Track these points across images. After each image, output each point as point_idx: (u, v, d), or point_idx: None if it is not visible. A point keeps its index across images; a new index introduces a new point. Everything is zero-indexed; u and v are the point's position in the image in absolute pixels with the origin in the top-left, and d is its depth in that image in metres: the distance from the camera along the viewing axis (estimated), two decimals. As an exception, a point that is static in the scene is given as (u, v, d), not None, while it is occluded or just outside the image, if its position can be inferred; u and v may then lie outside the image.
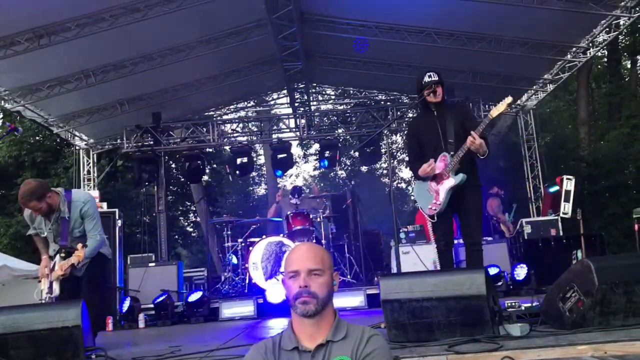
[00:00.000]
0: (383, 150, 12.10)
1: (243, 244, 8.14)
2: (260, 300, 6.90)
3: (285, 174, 13.22)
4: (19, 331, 3.19)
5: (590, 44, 8.75)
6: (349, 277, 7.97)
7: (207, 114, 12.94)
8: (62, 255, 4.10)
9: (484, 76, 9.93)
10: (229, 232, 8.43)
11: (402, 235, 7.91)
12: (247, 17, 8.47)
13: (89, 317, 3.52)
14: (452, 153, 4.17)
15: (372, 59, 10.00)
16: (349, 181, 23.73)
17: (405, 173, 23.56)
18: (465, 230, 4.29)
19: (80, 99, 9.27)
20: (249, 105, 14.85)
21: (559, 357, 2.64)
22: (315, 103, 13.33)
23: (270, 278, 7.17)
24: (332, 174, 25.64)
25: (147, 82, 9.43)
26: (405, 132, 8.67)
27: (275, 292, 6.74)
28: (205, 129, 11.16)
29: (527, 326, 3.11)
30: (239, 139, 11.79)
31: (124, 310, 7.08)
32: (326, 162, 11.09)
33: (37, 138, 15.31)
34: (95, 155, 11.24)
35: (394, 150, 21.79)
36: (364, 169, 22.38)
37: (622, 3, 7.45)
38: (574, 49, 8.95)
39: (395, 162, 22.94)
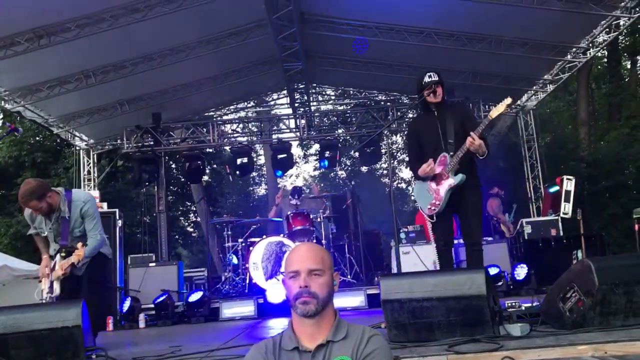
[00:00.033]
0: (383, 151, 12.11)
1: (243, 244, 8.14)
2: (261, 300, 6.90)
3: (286, 174, 13.24)
4: (19, 331, 3.19)
5: (590, 45, 8.75)
6: (349, 277, 7.97)
7: (207, 114, 12.95)
8: (63, 254, 4.11)
9: (484, 77, 9.93)
10: (229, 232, 8.43)
11: (402, 236, 7.91)
12: (247, 18, 8.47)
13: (89, 316, 3.52)
14: (451, 153, 4.18)
15: (372, 60, 10.00)
16: (349, 181, 23.74)
17: (406, 173, 23.59)
18: (465, 230, 4.30)
19: (80, 100, 9.27)
20: (249, 105, 14.86)
21: (559, 357, 2.64)
22: (315, 103, 13.34)
23: (271, 278, 7.18)
24: (332, 174, 25.65)
25: (147, 82, 9.43)
26: (406, 133, 8.67)
27: (275, 292, 6.75)
28: (205, 130, 11.16)
29: (527, 326, 3.11)
30: (239, 139, 11.79)
31: (124, 310, 7.09)
32: (326, 163, 11.10)
33: (37, 138, 15.32)
34: (95, 156, 11.24)
35: (394, 151, 21.80)
36: (364, 169, 22.39)
37: (622, 3, 7.45)
38: (574, 49, 8.95)
39: (396, 163, 22.95)
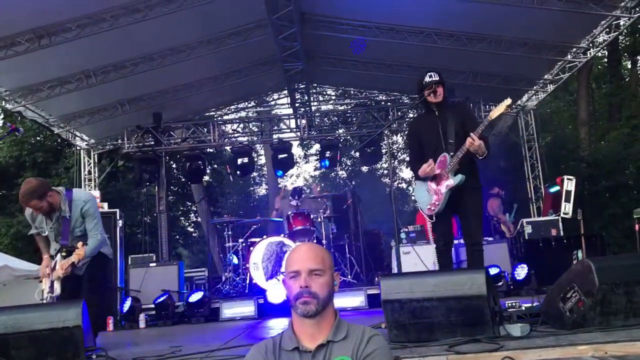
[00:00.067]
0: (384, 151, 12.11)
1: (244, 244, 8.14)
2: (261, 301, 6.90)
3: (286, 174, 13.23)
4: (20, 331, 3.19)
5: (591, 45, 8.75)
6: (349, 277, 7.97)
7: (207, 114, 12.95)
8: (63, 254, 4.11)
9: (484, 77, 9.93)
10: (229, 233, 8.43)
11: (402, 236, 7.91)
12: (248, 18, 8.48)
13: (90, 316, 3.52)
14: (451, 154, 4.17)
15: (372, 60, 10.01)
16: (350, 181, 23.74)
17: (406, 173, 23.60)
18: (465, 230, 4.30)
19: (81, 100, 9.28)
20: (249, 105, 14.85)
21: (559, 357, 2.64)
22: (315, 103, 13.34)
23: (271, 278, 7.18)
24: (332, 174, 25.65)
25: (147, 82, 9.44)
26: (406, 132, 8.68)
27: (276, 293, 6.75)
28: (205, 129, 11.16)
29: (527, 326, 3.11)
30: (240, 139, 11.80)
31: (124, 311, 7.09)
32: (327, 162, 11.10)
33: (38, 138, 15.33)
34: (96, 156, 11.24)
35: (394, 151, 21.81)
36: (364, 169, 22.40)
37: (622, 3, 7.44)
38: (574, 49, 8.95)
39: (396, 163, 22.95)
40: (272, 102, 14.67)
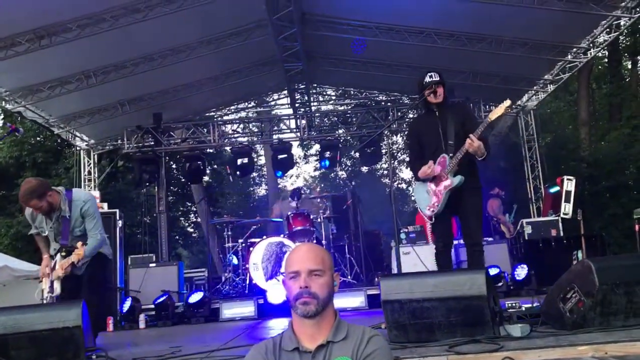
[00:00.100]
0: (383, 151, 12.11)
1: (243, 245, 8.14)
2: (261, 301, 6.90)
3: (286, 174, 13.22)
4: (20, 332, 3.19)
5: (591, 45, 8.74)
6: (349, 277, 7.97)
7: (207, 114, 12.95)
8: (63, 254, 4.12)
9: (484, 77, 9.93)
10: (229, 233, 8.43)
11: (402, 236, 7.91)
12: (248, 18, 8.48)
13: (89, 316, 3.52)
14: (451, 155, 4.17)
15: (372, 60, 10.01)
16: (350, 182, 23.73)
17: (406, 173, 23.59)
18: (465, 231, 4.29)
19: (81, 100, 9.28)
20: (249, 105, 14.86)
21: (559, 358, 2.64)
22: (315, 104, 13.33)
23: (271, 279, 7.17)
24: (332, 174, 25.65)
25: (147, 82, 9.44)
26: (406, 133, 8.68)
27: (275, 293, 6.75)
28: (205, 130, 11.16)
29: (527, 327, 3.11)
30: (240, 139, 11.79)
31: (124, 311, 7.09)
32: (327, 162, 11.09)
33: (37, 139, 15.33)
34: (96, 156, 11.25)
35: (394, 151, 21.81)
36: (364, 169, 22.39)
37: (623, 3, 7.44)
38: (575, 49, 8.95)
39: (396, 163, 22.95)
40: (272, 103, 14.68)
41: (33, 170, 14.31)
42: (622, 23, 7.96)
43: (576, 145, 15.07)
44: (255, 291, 7.32)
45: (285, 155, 10.92)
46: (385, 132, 9.75)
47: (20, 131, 5.09)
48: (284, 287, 2.00)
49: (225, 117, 13.61)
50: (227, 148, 13.35)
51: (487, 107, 10.44)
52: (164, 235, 11.13)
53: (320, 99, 14.32)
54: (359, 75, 10.79)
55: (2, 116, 15.40)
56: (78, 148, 11.02)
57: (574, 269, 3.31)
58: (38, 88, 8.61)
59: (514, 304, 3.88)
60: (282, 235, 7.67)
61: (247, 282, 7.63)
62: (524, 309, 3.79)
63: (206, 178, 17.03)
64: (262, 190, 26.76)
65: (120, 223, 8.07)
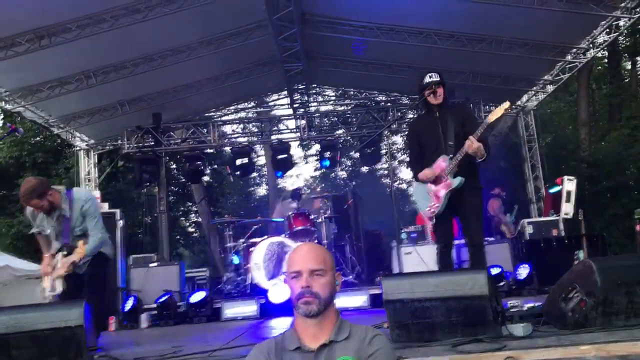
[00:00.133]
0: (383, 151, 12.09)
1: (245, 244, 8.13)
2: (263, 301, 6.89)
3: (285, 174, 13.22)
4: (21, 331, 3.19)
5: (591, 45, 8.75)
6: (351, 277, 7.97)
7: (207, 114, 12.95)
8: (64, 253, 4.13)
9: (484, 77, 9.93)
10: (230, 233, 8.43)
11: (403, 236, 7.92)
12: (248, 18, 8.48)
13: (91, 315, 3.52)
14: (450, 156, 4.16)
15: (372, 60, 10.01)
16: (350, 182, 23.73)
17: (406, 174, 23.56)
18: (466, 232, 4.29)
19: (80, 100, 9.28)
20: (249, 106, 14.85)
21: (561, 357, 2.64)
22: (315, 104, 13.34)
23: (273, 278, 7.17)
24: (332, 174, 25.64)
25: (147, 83, 9.44)
26: (406, 133, 8.68)
27: (277, 292, 6.73)
28: (205, 130, 11.17)
29: (529, 326, 3.11)
30: (240, 139, 11.82)
31: (126, 310, 7.09)
32: (327, 162, 11.09)
33: (37, 139, 15.31)
34: (96, 156, 11.25)
35: (394, 151, 21.80)
36: (364, 169, 22.38)
37: (623, 4, 7.45)
38: (574, 49, 8.96)
39: (396, 163, 22.95)
40: (272, 103, 14.69)
41: (33, 170, 14.29)
42: (621, 23, 7.98)
43: (576, 146, 15.06)
44: (256, 291, 7.31)
45: (285, 156, 10.92)
46: (385, 133, 9.74)
47: (20, 131, 5.09)
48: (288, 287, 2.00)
49: (225, 117, 13.61)
50: (227, 148, 13.35)
51: (487, 107, 10.44)
52: (165, 235, 11.13)
53: (320, 99, 14.32)
54: (359, 75, 10.79)
55: (2, 116, 15.39)
56: (78, 148, 11.03)
57: (576, 268, 3.31)
58: (38, 88, 8.61)
59: (515, 304, 3.88)
60: (283, 235, 7.66)
61: (249, 281, 7.62)
62: (525, 308, 3.79)
63: (206, 178, 17.02)
64: (262, 190, 26.78)
65: (121, 223, 8.07)
